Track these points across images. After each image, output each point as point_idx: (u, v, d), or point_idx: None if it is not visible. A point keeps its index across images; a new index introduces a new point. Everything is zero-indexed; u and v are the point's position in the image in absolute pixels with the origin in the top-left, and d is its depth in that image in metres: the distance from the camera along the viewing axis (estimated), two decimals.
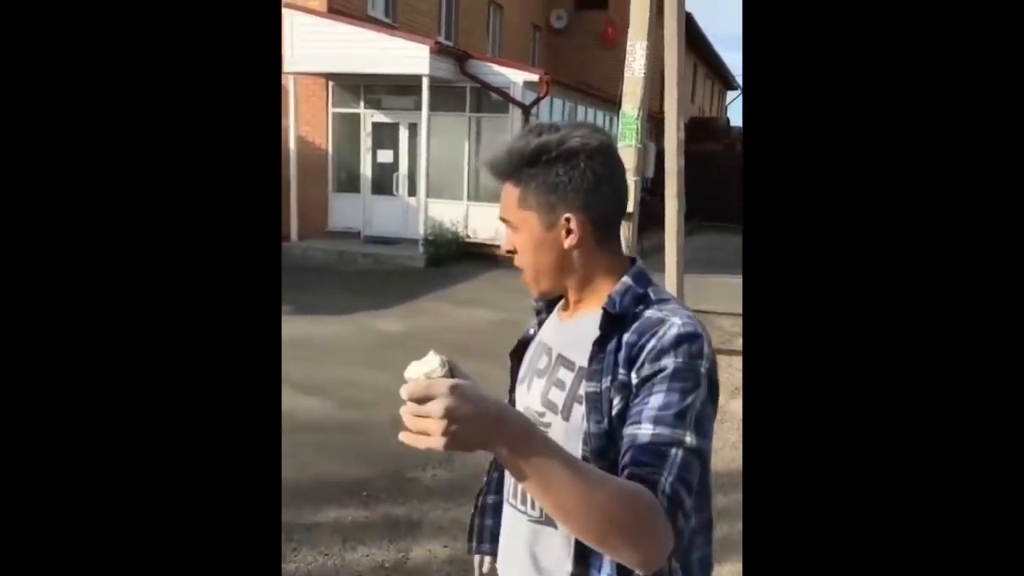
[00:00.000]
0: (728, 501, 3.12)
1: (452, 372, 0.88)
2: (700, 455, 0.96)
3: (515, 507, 1.18)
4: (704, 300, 7.99)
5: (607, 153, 1.11)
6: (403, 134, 11.49)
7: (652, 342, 1.02)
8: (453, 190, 11.31)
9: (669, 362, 0.99)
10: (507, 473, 1.20)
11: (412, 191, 11.32)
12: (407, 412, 0.82)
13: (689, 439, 0.95)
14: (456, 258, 10.68)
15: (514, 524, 1.19)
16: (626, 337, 1.05)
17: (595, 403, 1.04)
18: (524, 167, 1.09)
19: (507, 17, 17.06)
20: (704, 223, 15.24)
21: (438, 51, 10.32)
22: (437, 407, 0.81)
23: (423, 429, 0.82)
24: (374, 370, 5.56)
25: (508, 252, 1.19)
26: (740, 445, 4.47)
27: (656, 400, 0.98)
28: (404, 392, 0.83)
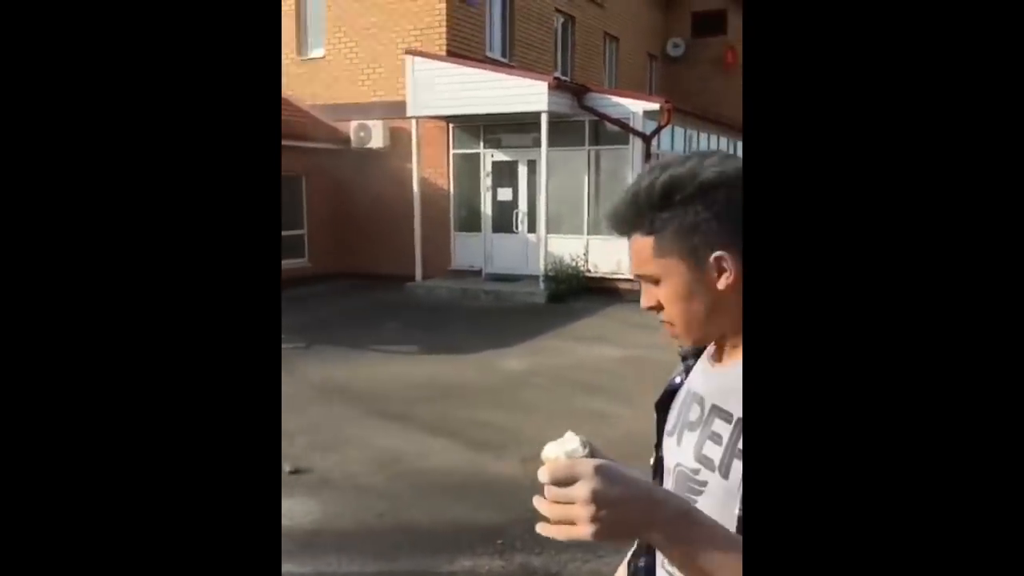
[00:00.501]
0: None
1: (593, 453, 0.80)
2: None
3: (673, 575, 1.04)
4: None
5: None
6: (522, 171, 11.57)
7: None
8: (573, 225, 11.24)
9: None
10: None
11: (532, 228, 11.35)
12: (545, 500, 0.75)
13: None
14: (577, 293, 10.56)
15: None
16: None
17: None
18: (656, 212, 0.97)
19: (622, 48, 17.02)
20: None
21: (556, 87, 10.36)
22: (583, 490, 0.73)
23: (567, 517, 0.74)
24: (501, 410, 5.49)
25: (651, 308, 1.04)
26: None
27: None
28: (543, 475, 0.75)
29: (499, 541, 3.45)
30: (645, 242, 1.00)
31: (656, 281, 1.01)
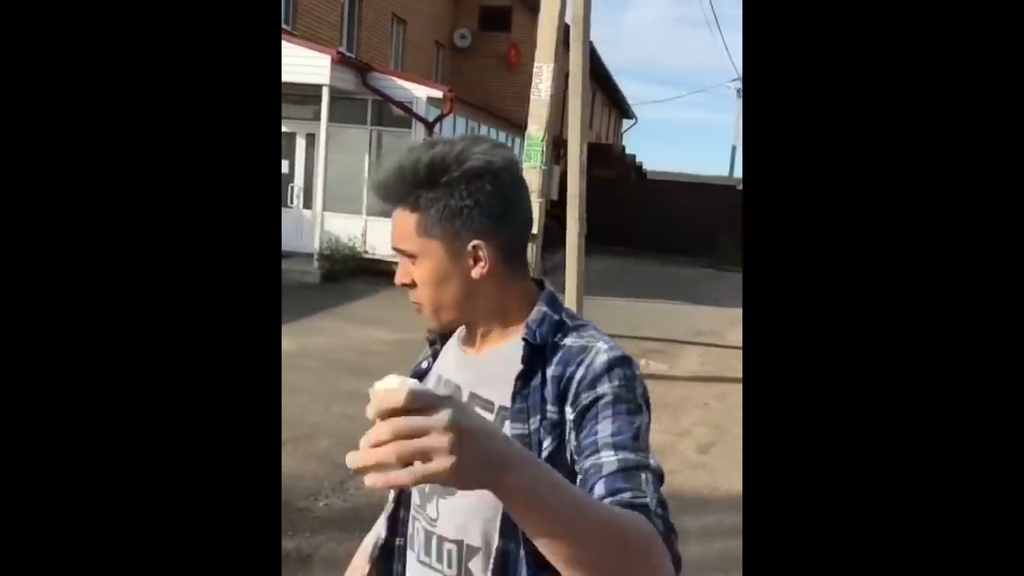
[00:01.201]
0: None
1: None
2: (661, 479, 0.88)
3: (429, 565, 1.04)
4: (602, 322, 8.09)
5: (513, 172, 1.00)
6: (300, 144, 11.13)
7: (581, 371, 0.94)
8: (351, 204, 11.04)
9: (607, 388, 0.92)
10: (414, 523, 1.07)
11: (308, 203, 10.97)
12: (383, 439, 0.61)
13: (652, 462, 0.88)
14: (353, 274, 10.40)
15: None
16: (550, 371, 0.96)
17: (524, 446, 0.93)
18: (421, 189, 0.97)
19: (410, 32, 16.95)
20: (601, 246, 15.58)
21: (340, 61, 10.10)
22: (441, 417, 0.61)
23: (420, 449, 0.60)
24: None
25: (404, 285, 1.03)
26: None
27: (607, 427, 0.89)
28: (385, 403, 0.61)
29: None
30: (409, 217, 0.98)
31: (414, 258, 1.00)
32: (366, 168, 11.02)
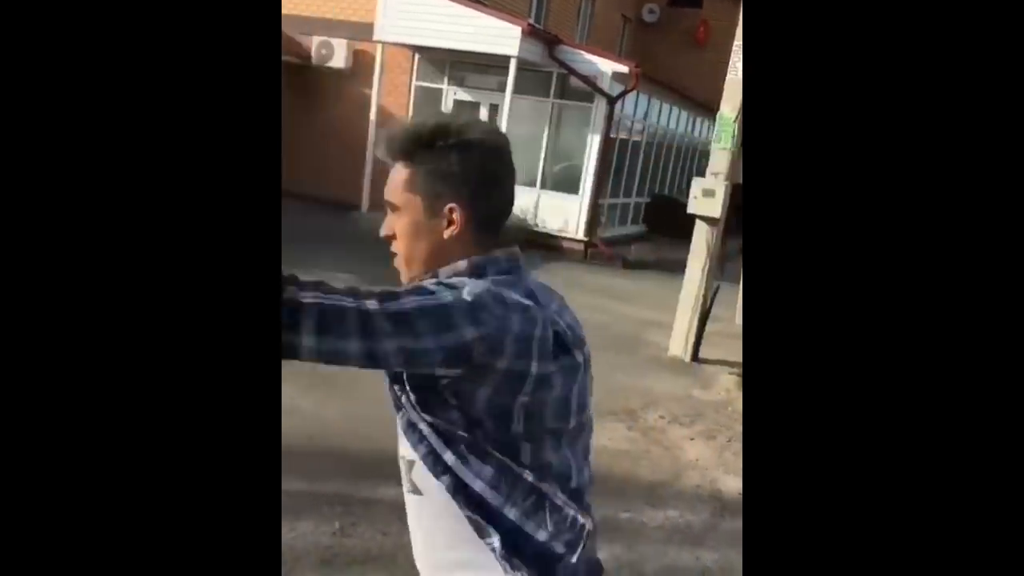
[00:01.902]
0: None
1: None
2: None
3: (408, 491, 1.20)
4: None
5: (503, 154, 1.12)
6: (483, 114, 11.39)
7: None
8: (527, 176, 11.16)
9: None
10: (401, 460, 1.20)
11: None
12: None
13: (364, 305, 0.94)
14: (521, 247, 10.55)
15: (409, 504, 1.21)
16: None
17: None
18: (419, 148, 1.08)
19: (598, 5, 16.79)
20: None
21: (530, 33, 10.18)
22: None
23: None
24: None
25: (386, 237, 1.14)
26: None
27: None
28: None
29: None
30: (402, 172, 1.10)
31: (399, 212, 1.11)
32: (544, 141, 11.10)
